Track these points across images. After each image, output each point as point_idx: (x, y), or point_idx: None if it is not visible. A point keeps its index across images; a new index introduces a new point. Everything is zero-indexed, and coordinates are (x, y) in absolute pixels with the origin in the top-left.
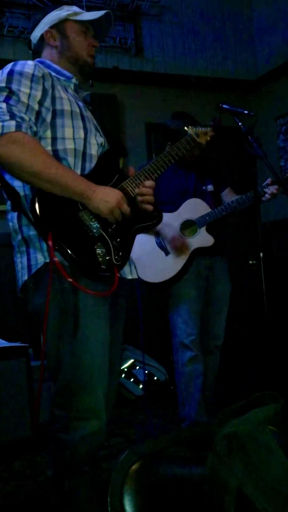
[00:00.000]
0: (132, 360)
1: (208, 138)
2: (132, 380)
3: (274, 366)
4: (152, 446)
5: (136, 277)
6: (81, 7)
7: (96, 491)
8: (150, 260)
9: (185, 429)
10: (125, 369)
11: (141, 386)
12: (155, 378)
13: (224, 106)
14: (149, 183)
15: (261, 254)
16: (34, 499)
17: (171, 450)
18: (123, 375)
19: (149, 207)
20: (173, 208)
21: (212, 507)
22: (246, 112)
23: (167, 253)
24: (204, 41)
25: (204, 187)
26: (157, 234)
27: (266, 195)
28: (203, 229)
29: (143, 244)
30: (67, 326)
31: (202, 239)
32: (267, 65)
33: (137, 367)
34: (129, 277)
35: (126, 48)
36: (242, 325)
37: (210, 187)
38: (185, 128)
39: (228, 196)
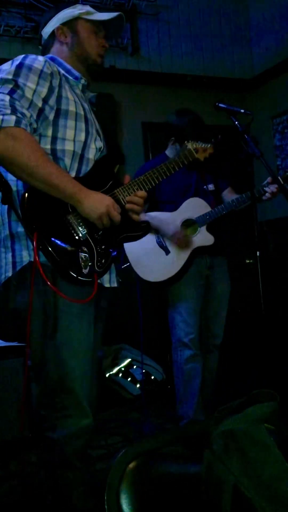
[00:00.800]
0: (129, 360)
1: (207, 155)
2: (129, 379)
3: (271, 364)
4: (149, 445)
5: (115, 285)
6: None
7: (90, 487)
8: (150, 259)
9: (182, 427)
10: (122, 368)
11: (138, 385)
12: (153, 377)
13: (221, 105)
14: (141, 193)
15: (257, 253)
16: (30, 499)
17: (168, 449)
18: (120, 374)
19: (136, 217)
20: (174, 207)
21: (209, 505)
22: (242, 111)
23: (167, 252)
24: (201, 40)
25: (205, 187)
26: (157, 232)
27: (267, 194)
28: (204, 228)
29: (144, 244)
30: (50, 327)
31: (202, 238)
32: (263, 64)
33: (134, 366)
34: (107, 285)
35: (123, 47)
36: (239, 324)
37: (211, 187)
38: (185, 142)
39: (228, 196)
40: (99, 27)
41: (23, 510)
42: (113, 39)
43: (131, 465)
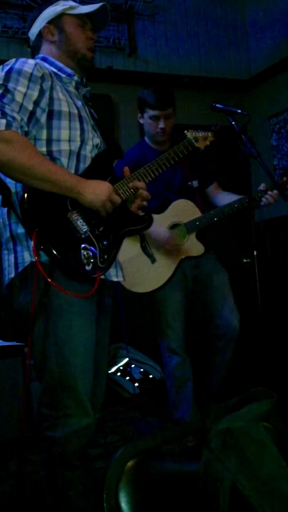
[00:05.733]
0: (127, 359)
1: (208, 143)
2: (127, 378)
3: (268, 364)
4: (147, 443)
5: (122, 279)
6: None
7: (90, 486)
8: (134, 267)
9: (180, 426)
10: (121, 367)
11: (136, 384)
12: (151, 376)
13: (217, 105)
14: (141, 184)
15: (255, 253)
16: (29, 499)
17: (166, 447)
18: (118, 373)
19: (144, 204)
20: (158, 202)
21: (207, 503)
22: (239, 111)
23: (153, 260)
24: (198, 41)
25: (189, 183)
26: (142, 238)
27: (263, 200)
28: (193, 236)
29: (127, 249)
30: (52, 326)
31: (191, 247)
32: (260, 64)
33: (133, 365)
34: (115, 279)
35: (120, 48)
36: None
37: (195, 183)
38: (185, 131)
39: (214, 192)
40: (85, 20)
41: (23, 510)
42: (99, 31)
43: (129, 464)
